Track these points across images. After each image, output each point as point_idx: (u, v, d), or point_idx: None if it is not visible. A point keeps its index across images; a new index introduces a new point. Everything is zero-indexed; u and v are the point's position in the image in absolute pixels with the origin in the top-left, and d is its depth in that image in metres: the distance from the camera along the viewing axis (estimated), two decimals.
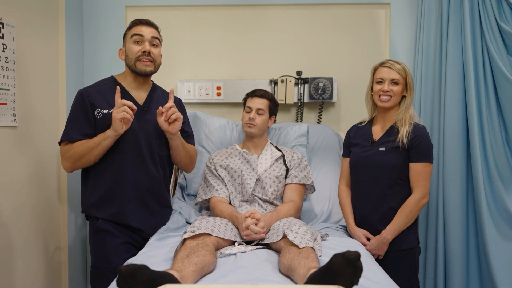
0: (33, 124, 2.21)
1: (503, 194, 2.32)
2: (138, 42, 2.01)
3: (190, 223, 2.13)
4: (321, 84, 2.72)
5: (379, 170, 2.05)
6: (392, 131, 2.08)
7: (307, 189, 2.30)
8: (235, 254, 1.73)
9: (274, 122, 2.45)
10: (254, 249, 1.80)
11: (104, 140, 1.92)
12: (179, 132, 2.05)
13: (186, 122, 2.24)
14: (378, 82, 2.08)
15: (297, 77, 2.76)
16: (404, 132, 2.02)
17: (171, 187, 2.37)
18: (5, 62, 1.99)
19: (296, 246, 1.62)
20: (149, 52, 2.01)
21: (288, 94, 2.74)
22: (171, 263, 1.61)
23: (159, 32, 2.08)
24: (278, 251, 1.75)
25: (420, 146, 2.02)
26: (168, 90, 2.26)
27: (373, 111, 2.19)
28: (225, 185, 2.22)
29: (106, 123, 1.98)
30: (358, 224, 2.11)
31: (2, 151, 1.99)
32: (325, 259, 1.42)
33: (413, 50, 2.68)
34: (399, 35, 2.74)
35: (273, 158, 2.30)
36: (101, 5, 2.76)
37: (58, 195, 2.43)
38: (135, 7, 2.80)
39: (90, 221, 2.10)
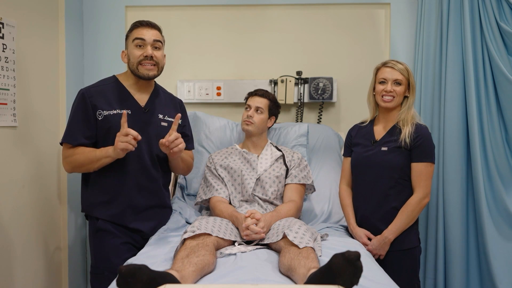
0: (33, 124, 2.21)
1: (503, 194, 2.32)
2: (140, 46, 1.99)
3: (190, 223, 2.13)
4: (321, 84, 2.72)
5: (381, 169, 2.05)
6: (394, 131, 2.08)
7: (307, 189, 2.30)
8: (235, 254, 1.73)
9: (275, 123, 2.44)
10: (254, 249, 1.80)
11: (106, 158, 1.91)
12: None
13: (186, 125, 2.24)
14: (380, 82, 2.08)
15: (297, 77, 2.76)
16: (406, 131, 2.02)
17: (171, 187, 2.37)
18: (5, 62, 1.99)
19: (296, 246, 1.62)
20: (152, 56, 1.99)
21: (288, 94, 2.74)
22: (171, 263, 1.61)
23: (161, 33, 2.06)
24: (278, 251, 1.75)
25: (422, 146, 2.02)
26: (168, 90, 2.27)
27: (375, 111, 2.19)
28: (225, 185, 2.22)
29: (107, 124, 1.98)
30: (359, 224, 2.11)
31: (2, 151, 1.99)
32: (325, 259, 1.42)
33: (413, 50, 2.68)
34: (399, 35, 2.74)
35: (273, 158, 2.30)
36: (101, 5, 2.76)
37: (58, 195, 2.43)
38: (135, 7, 2.80)
39: (90, 220, 2.10)
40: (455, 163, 2.41)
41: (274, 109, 2.37)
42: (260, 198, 2.18)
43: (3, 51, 1.97)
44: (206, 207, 2.31)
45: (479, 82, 2.38)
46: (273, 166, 2.26)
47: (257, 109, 2.30)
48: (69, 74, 2.50)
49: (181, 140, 1.92)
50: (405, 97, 2.10)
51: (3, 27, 1.97)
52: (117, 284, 1.25)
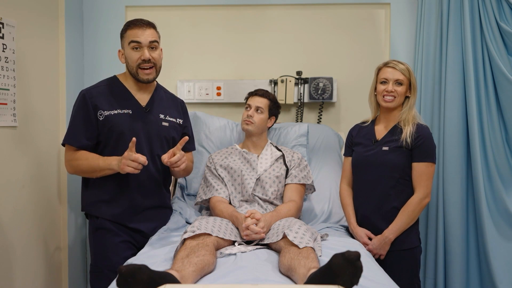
0: (33, 124, 2.21)
1: (503, 194, 2.32)
2: (136, 48, 1.97)
3: (190, 223, 2.13)
4: (321, 84, 2.72)
5: (382, 169, 2.05)
6: (396, 130, 2.08)
7: (307, 189, 2.30)
8: (235, 254, 1.73)
9: (275, 123, 2.44)
10: (254, 249, 1.80)
11: (108, 170, 1.91)
12: None
13: (188, 126, 2.24)
14: (382, 83, 2.08)
15: (297, 77, 2.76)
16: (407, 131, 2.03)
17: (171, 187, 2.37)
18: (5, 62, 1.99)
19: (296, 246, 1.62)
20: (149, 59, 1.98)
21: (288, 94, 2.74)
22: (171, 263, 1.61)
23: (156, 30, 2.03)
24: (278, 251, 1.75)
25: (423, 146, 2.02)
26: (168, 90, 2.27)
27: (376, 111, 2.19)
28: (225, 185, 2.22)
29: (108, 124, 1.98)
30: (360, 223, 2.11)
31: (2, 151, 1.99)
32: (325, 259, 1.42)
33: (413, 50, 2.68)
34: (399, 35, 2.74)
35: (273, 158, 2.29)
36: (101, 5, 2.76)
37: (58, 195, 2.43)
38: (135, 7, 2.80)
39: (90, 219, 2.10)
40: (455, 163, 2.41)
41: (274, 109, 2.37)
42: (260, 198, 2.18)
43: (3, 51, 1.97)
44: (206, 207, 2.31)
45: (479, 82, 2.38)
46: (273, 166, 2.26)
47: (257, 108, 2.30)
48: (69, 74, 2.50)
49: (184, 159, 1.91)
50: (406, 97, 2.10)
51: (3, 27, 1.97)
52: (117, 284, 1.25)
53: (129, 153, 1.80)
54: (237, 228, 1.94)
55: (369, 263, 1.64)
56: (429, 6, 2.54)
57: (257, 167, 2.25)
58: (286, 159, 2.28)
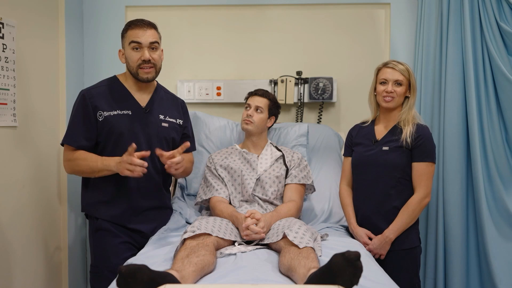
0: (33, 124, 2.21)
1: (503, 194, 2.32)
2: (136, 49, 1.97)
3: (190, 223, 2.13)
4: (321, 84, 2.72)
5: (382, 169, 2.05)
6: (396, 130, 2.09)
7: (307, 189, 2.30)
8: (235, 254, 1.73)
9: (275, 122, 2.44)
10: (254, 249, 1.80)
11: (107, 171, 1.91)
12: None
13: (188, 126, 2.24)
14: (381, 83, 2.09)
15: (297, 77, 2.76)
16: (407, 131, 2.03)
17: (171, 187, 2.37)
18: (5, 62, 1.99)
19: (296, 246, 1.62)
20: (149, 60, 1.97)
21: (288, 94, 2.74)
22: (171, 263, 1.61)
23: (157, 30, 2.03)
24: (278, 251, 1.75)
25: (423, 146, 2.03)
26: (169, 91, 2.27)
27: (376, 111, 2.19)
28: (225, 185, 2.22)
29: (108, 125, 1.97)
30: (360, 223, 2.11)
31: (2, 151, 1.99)
32: (325, 259, 1.42)
33: (413, 50, 2.68)
34: (399, 35, 2.74)
35: (273, 158, 2.29)
36: (101, 5, 2.76)
37: (58, 195, 2.43)
38: (135, 7, 2.80)
39: (90, 220, 2.10)
40: (455, 163, 2.41)
41: (274, 109, 2.37)
42: (260, 198, 2.18)
43: (3, 51, 1.97)
44: (206, 207, 2.31)
45: (479, 82, 2.38)
46: (273, 166, 2.26)
47: (257, 108, 2.30)
48: (69, 74, 2.50)
49: (182, 164, 1.89)
50: (406, 97, 2.10)
51: (3, 27, 1.97)
52: (117, 284, 1.25)
53: (127, 157, 1.78)
54: (237, 228, 1.94)
55: (369, 263, 1.64)
56: (429, 6, 2.53)
57: (257, 167, 2.25)
58: (286, 159, 2.28)
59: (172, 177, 2.32)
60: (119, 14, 2.76)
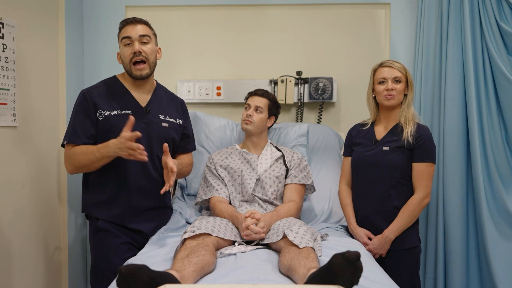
0: (33, 124, 2.21)
1: (503, 194, 2.32)
2: (128, 44, 1.98)
3: (190, 223, 2.13)
4: (321, 84, 2.72)
5: (382, 169, 2.05)
6: (396, 130, 2.09)
7: (307, 189, 2.30)
8: (235, 254, 1.73)
9: (275, 122, 2.44)
10: (254, 249, 1.80)
11: (107, 158, 1.89)
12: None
13: (188, 126, 2.24)
14: (380, 83, 2.09)
15: (297, 77, 2.76)
16: (408, 130, 2.04)
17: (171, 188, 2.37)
18: (5, 62, 1.99)
19: (296, 246, 1.62)
20: (140, 52, 1.97)
21: (288, 94, 2.74)
22: (171, 263, 1.61)
23: (149, 27, 2.03)
24: (278, 251, 1.75)
25: (423, 146, 2.03)
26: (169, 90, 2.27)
27: (375, 112, 2.19)
28: (225, 185, 2.22)
29: (108, 125, 1.97)
30: (360, 223, 2.12)
31: (2, 151, 1.99)
32: (325, 259, 1.42)
33: (413, 50, 2.68)
34: (399, 35, 2.74)
35: (273, 158, 2.30)
36: (101, 5, 2.76)
37: (58, 195, 2.43)
38: (135, 7, 2.80)
39: (90, 220, 2.10)
40: (455, 163, 2.41)
41: (274, 109, 2.37)
42: (260, 198, 2.18)
43: (3, 51, 1.97)
44: (206, 207, 2.31)
45: (479, 82, 2.38)
46: (273, 166, 2.26)
47: (256, 108, 2.30)
48: (69, 74, 2.50)
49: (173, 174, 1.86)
50: (404, 95, 2.11)
51: (3, 27, 1.97)
52: (117, 284, 1.25)
53: (126, 142, 1.77)
54: (237, 228, 1.94)
55: (369, 263, 1.64)
56: (429, 6, 2.54)
57: (257, 167, 2.25)
58: (286, 159, 2.28)
59: None
60: (119, 14, 2.76)
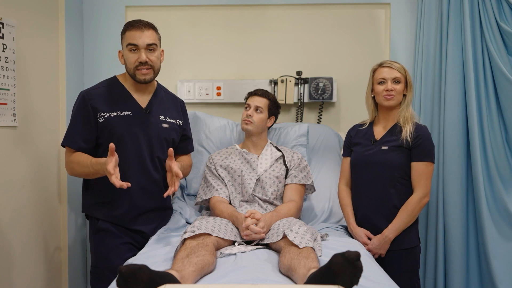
0: (33, 124, 2.21)
1: (503, 194, 2.32)
2: (134, 50, 1.96)
3: (190, 223, 2.13)
4: (321, 84, 2.72)
5: (381, 169, 2.06)
6: (395, 130, 2.09)
7: (307, 189, 2.30)
8: (235, 254, 1.73)
9: (274, 122, 2.44)
10: (254, 249, 1.80)
11: (101, 174, 1.86)
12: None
13: (187, 127, 2.24)
14: (380, 83, 2.09)
15: (297, 77, 2.76)
16: (407, 130, 2.04)
17: None
18: (5, 62, 1.99)
19: (296, 246, 1.63)
20: (146, 62, 1.96)
21: (288, 94, 2.74)
22: (171, 263, 1.61)
23: (155, 31, 2.01)
24: (278, 251, 1.75)
25: (422, 146, 2.03)
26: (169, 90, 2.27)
27: (374, 112, 2.20)
28: (225, 185, 2.22)
29: (108, 127, 1.97)
30: (360, 223, 2.12)
31: (2, 151, 1.99)
32: (325, 259, 1.42)
33: (413, 50, 2.68)
34: (399, 35, 2.74)
35: (273, 158, 2.30)
36: (101, 5, 2.76)
37: (58, 195, 2.43)
38: (135, 7, 2.80)
39: (90, 220, 2.10)
40: (455, 163, 2.41)
41: (274, 109, 2.37)
42: (260, 198, 2.18)
43: (3, 51, 1.97)
44: (206, 207, 2.31)
45: (479, 82, 2.38)
46: (273, 166, 2.26)
47: (256, 108, 2.30)
48: (69, 74, 2.50)
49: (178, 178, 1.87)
50: (403, 95, 2.11)
51: (3, 27, 1.97)
52: (117, 284, 1.25)
53: (107, 160, 1.72)
54: (237, 228, 1.94)
55: (369, 263, 1.64)
56: (429, 6, 2.53)
57: (257, 167, 2.25)
58: (286, 159, 2.28)
59: None
60: (119, 14, 2.76)
